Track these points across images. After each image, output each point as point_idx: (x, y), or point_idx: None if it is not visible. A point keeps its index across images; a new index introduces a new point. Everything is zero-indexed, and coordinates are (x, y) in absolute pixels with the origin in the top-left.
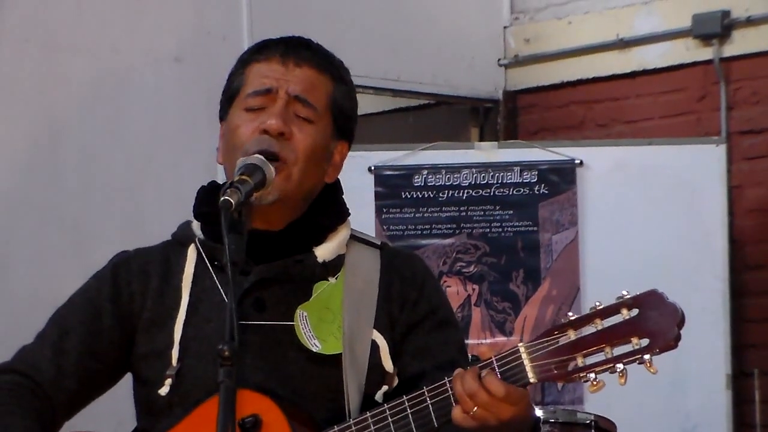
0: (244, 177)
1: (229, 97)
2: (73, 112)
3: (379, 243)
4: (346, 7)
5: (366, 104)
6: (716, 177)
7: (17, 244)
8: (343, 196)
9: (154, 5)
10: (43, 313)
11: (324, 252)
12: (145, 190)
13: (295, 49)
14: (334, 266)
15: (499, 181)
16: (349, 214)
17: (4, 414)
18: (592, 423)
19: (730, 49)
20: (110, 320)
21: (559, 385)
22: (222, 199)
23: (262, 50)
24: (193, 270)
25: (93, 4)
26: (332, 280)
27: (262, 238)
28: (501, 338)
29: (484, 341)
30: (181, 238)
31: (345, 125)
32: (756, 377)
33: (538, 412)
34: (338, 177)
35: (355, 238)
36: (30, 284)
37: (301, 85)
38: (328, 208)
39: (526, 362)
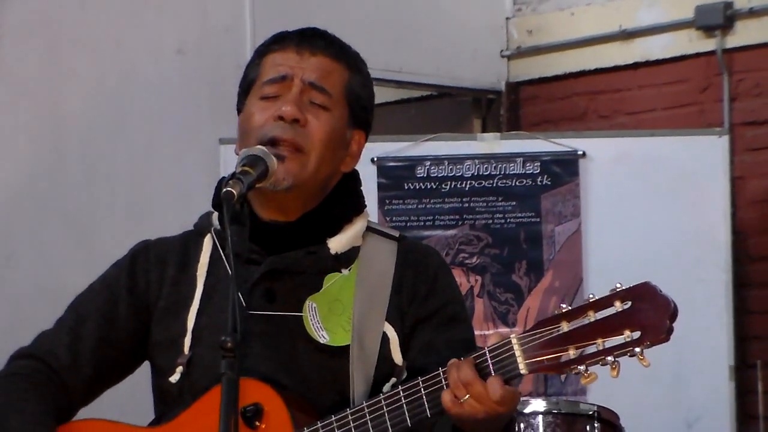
0: (246, 168)
1: (246, 88)
2: (77, 106)
3: (397, 235)
4: None
5: None
6: (719, 168)
7: (21, 237)
8: (361, 188)
9: None
10: (47, 305)
11: (337, 244)
12: (148, 183)
13: (310, 39)
14: (347, 258)
15: (502, 173)
16: (365, 206)
17: (19, 399)
18: (595, 414)
19: (733, 41)
20: (126, 308)
21: (562, 376)
22: (224, 190)
23: (277, 41)
24: (208, 260)
25: None
26: (345, 272)
27: (276, 229)
28: (504, 329)
29: (487, 333)
30: (200, 228)
31: (361, 114)
32: (759, 368)
33: (541, 404)
34: (356, 168)
35: (372, 230)
36: (34, 276)
37: (316, 73)
38: (344, 199)
39: (518, 354)
